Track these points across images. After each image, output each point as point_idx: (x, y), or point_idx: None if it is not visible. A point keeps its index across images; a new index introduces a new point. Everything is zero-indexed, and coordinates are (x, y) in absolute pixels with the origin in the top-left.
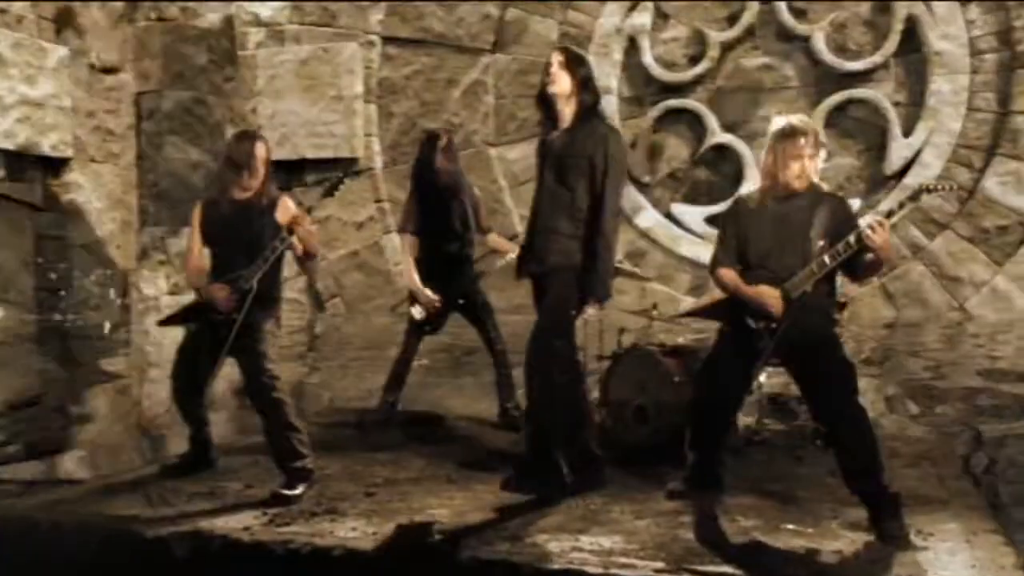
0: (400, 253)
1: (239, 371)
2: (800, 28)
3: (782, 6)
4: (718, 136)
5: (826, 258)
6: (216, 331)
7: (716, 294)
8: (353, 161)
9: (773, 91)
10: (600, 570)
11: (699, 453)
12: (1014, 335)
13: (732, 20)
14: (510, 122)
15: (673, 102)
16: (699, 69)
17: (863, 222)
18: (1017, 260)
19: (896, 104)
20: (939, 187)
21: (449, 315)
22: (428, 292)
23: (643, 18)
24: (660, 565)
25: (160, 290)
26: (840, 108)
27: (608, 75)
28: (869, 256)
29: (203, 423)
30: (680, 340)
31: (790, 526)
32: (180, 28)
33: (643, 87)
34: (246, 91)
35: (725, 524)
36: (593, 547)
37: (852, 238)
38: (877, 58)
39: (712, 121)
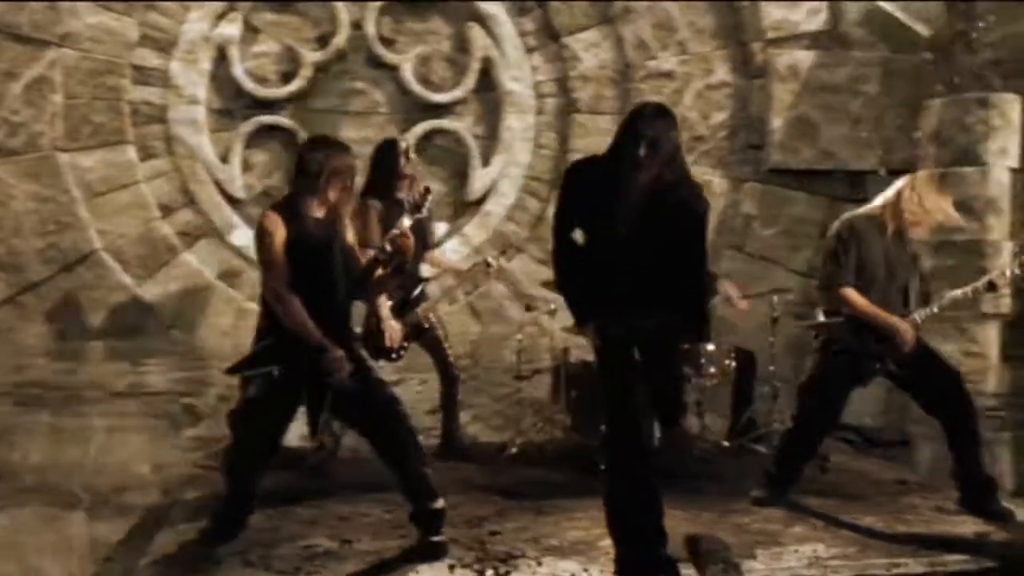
0: None
1: (347, 414)
2: (389, 57)
3: (372, 33)
4: None
5: (946, 300)
6: (311, 376)
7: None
8: None
9: (364, 115)
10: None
11: (795, 464)
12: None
13: (322, 41)
14: (84, 126)
15: (266, 118)
16: (292, 87)
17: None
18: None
19: (476, 136)
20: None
21: (410, 343)
22: (394, 323)
23: (232, 29)
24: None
25: None
26: (427, 137)
27: (196, 84)
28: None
29: (254, 487)
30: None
31: (907, 516)
32: None
33: (234, 100)
34: None
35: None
36: (821, 553)
37: (983, 283)
38: (458, 92)
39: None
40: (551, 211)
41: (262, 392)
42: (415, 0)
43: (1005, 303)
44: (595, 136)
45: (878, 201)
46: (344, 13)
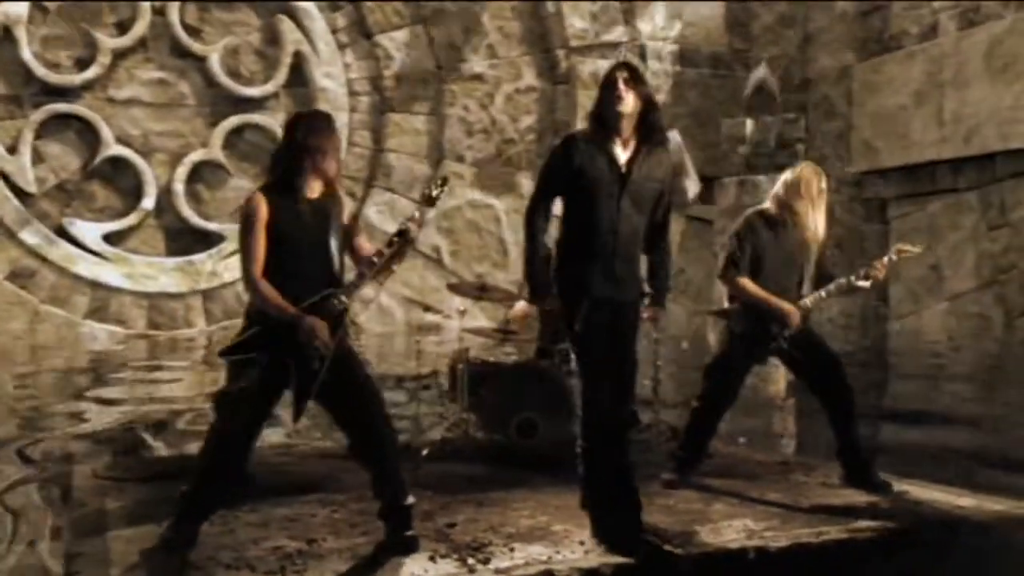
0: None
1: (330, 405)
2: (195, 47)
3: (175, 21)
4: (113, 148)
5: (832, 287)
6: (301, 364)
7: None
8: None
9: (169, 107)
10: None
11: (699, 444)
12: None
13: (122, 27)
14: None
15: (61, 107)
16: (89, 74)
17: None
18: (394, 280)
19: None
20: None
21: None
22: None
23: (19, 7)
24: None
25: None
26: (237, 131)
27: None
28: (863, 283)
29: (230, 479)
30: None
31: (802, 492)
32: None
33: (22, 86)
34: None
35: (769, 497)
36: (763, 527)
37: (863, 272)
38: (270, 87)
39: (106, 131)
40: (367, 210)
41: (251, 377)
42: None
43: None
44: (410, 135)
45: (770, 197)
46: None
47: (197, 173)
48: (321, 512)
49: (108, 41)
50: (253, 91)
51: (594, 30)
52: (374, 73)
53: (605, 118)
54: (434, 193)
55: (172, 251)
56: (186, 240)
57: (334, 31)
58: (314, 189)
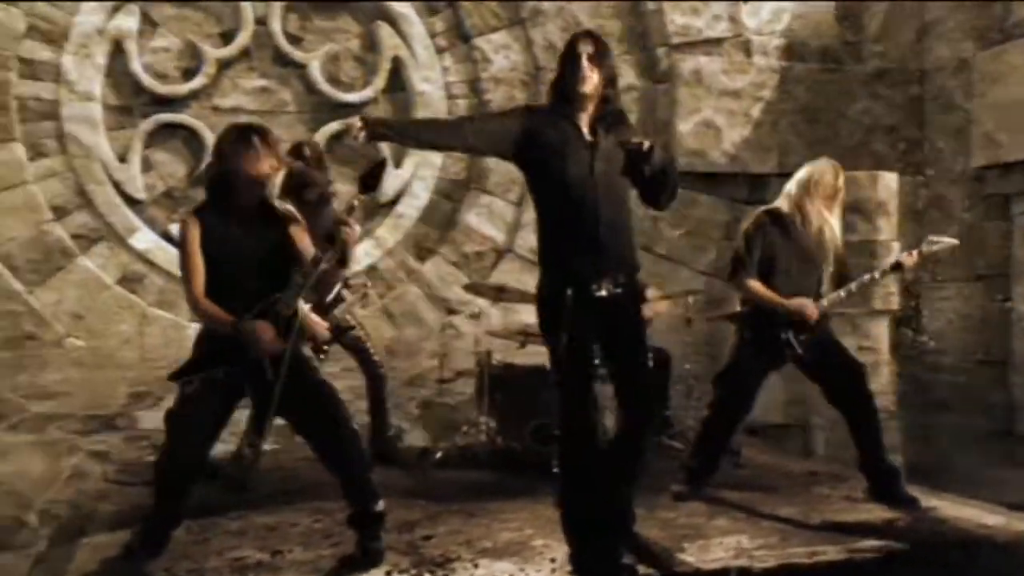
0: None
1: (289, 414)
2: (296, 55)
3: (277, 30)
4: None
5: (853, 286)
6: (255, 376)
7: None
8: None
9: (272, 114)
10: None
11: (711, 455)
12: None
13: (226, 37)
14: None
15: (167, 116)
16: (195, 84)
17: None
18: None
19: None
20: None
21: (331, 347)
22: (316, 318)
23: (129, 22)
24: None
25: None
26: (337, 137)
27: (91, 80)
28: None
29: (186, 496)
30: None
31: (820, 506)
32: None
33: (132, 96)
34: None
35: (776, 513)
36: (748, 545)
37: (887, 266)
38: (368, 92)
39: (211, 140)
40: (464, 214)
41: (200, 393)
42: None
43: (894, 299)
44: None
45: (782, 196)
46: (249, 9)
47: None
48: (304, 521)
49: (213, 51)
50: (352, 97)
51: (696, 26)
52: (472, 76)
53: (566, 93)
54: (370, 180)
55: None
56: None
57: (432, 35)
58: (250, 203)
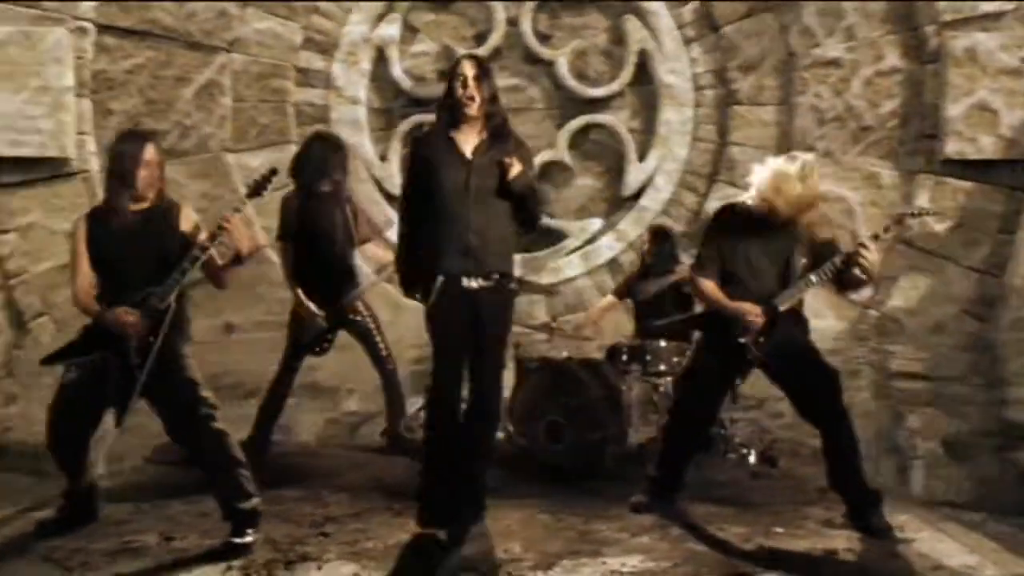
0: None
1: (158, 407)
2: (545, 53)
3: (527, 30)
4: None
5: (812, 277)
6: (122, 363)
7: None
8: (64, 161)
9: (520, 111)
10: None
11: (672, 465)
12: None
13: (479, 39)
14: (250, 127)
15: (424, 116)
16: None
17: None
18: None
19: (632, 130)
20: (920, 212)
21: (336, 333)
22: (313, 307)
23: (391, 30)
24: None
25: None
26: (582, 131)
27: (357, 85)
28: (856, 271)
29: (86, 471)
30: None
31: (778, 529)
32: None
33: (392, 99)
34: None
35: (716, 532)
36: (628, 568)
37: (838, 259)
38: (615, 86)
39: None
40: (709, 205)
41: (76, 380)
42: None
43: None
44: (756, 128)
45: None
46: (501, 11)
47: (545, 173)
48: (217, 513)
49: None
50: (599, 91)
51: (971, 2)
52: (719, 66)
53: (451, 111)
54: (257, 185)
55: (517, 248)
56: (530, 236)
57: (680, 26)
58: (140, 204)
